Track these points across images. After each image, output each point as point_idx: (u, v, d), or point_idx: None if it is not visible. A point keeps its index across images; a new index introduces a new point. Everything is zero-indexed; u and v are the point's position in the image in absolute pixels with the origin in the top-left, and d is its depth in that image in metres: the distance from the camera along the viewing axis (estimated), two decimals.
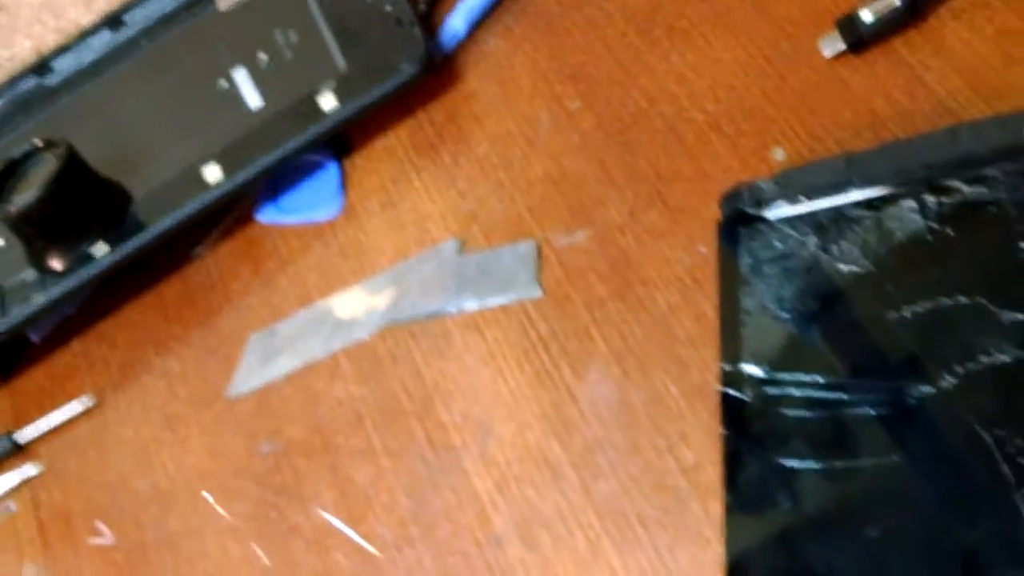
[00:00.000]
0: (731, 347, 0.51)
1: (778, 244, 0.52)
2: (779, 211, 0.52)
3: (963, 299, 0.47)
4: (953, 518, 0.43)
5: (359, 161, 0.68)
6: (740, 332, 0.51)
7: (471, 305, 0.59)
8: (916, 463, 0.45)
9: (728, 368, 0.50)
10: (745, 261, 0.52)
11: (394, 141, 0.68)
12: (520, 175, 0.62)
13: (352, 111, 0.66)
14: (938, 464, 0.45)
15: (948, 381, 0.45)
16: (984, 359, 0.45)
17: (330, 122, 0.66)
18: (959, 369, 0.45)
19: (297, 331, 0.63)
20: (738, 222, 0.53)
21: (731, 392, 0.49)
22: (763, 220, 0.53)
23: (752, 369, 0.50)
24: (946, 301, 0.47)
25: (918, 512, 0.44)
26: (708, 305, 0.54)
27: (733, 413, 0.49)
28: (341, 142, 0.69)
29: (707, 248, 0.55)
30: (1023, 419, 0.44)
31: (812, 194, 0.52)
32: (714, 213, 0.55)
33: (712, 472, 0.50)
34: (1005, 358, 0.45)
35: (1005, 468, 0.43)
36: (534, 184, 0.62)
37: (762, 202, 0.53)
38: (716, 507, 0.49)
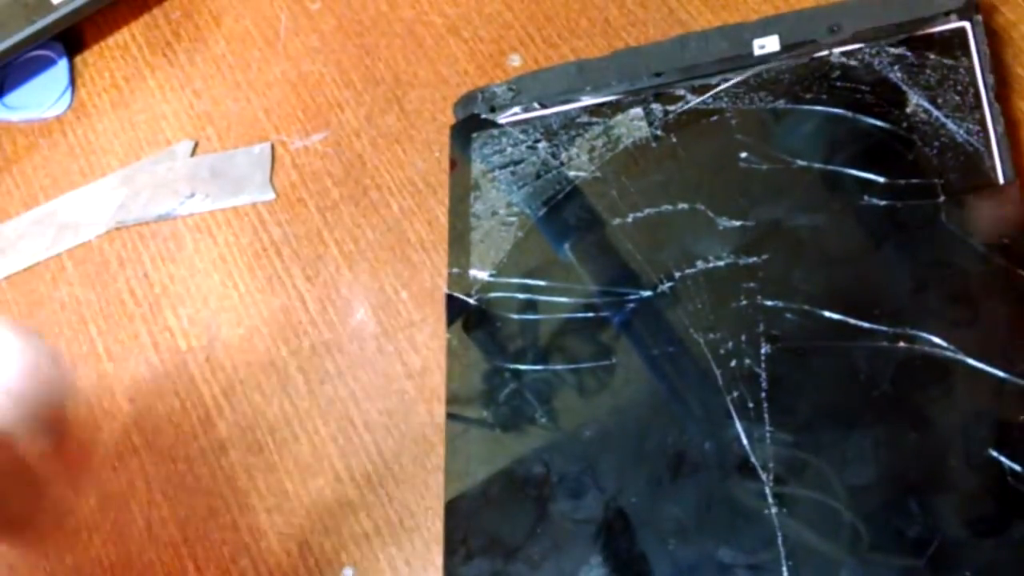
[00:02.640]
0: (460, 251, 0.51)
1: (509, 149, 0.52)
2: (511, 116, 0.52)
3: (684, 206, 0.48)
4: (665, 419, 0.44)
5: (91, 58, 0.65)
6: (469, 236, 0.51)
7: (203, 207, 0.57)
8: (632, 366, 0.46)
9: (456, 271, 0.50)
10: (477, 166, 0.52)
11: (128, 38, 0.65)
12: (257, 76, 0.61)
13: (83, 4, 0.63)
14: (653, 368, 0.46)
15: (666, 286, 0.46)
16: (700, 264, 0.46)
17: (59, 15, 0.63)
18: (676, 274, 0.46)
19: (19, 233, 0.60)
20: (472, 127, 0.53)
21: (457, 295, 0.49)
22: (496, 125, 0.52)
23: (479, 273, 0.50)
24: (668, 208, 0.48)
25: (632, 413, 0.45)
26: (441, 210, 0.54)
27: (456, 315, 0.49)
28: (72, 37, 0.65)
29: (441, 153, 0.55)
30: (735, 323, 0.45)
31: (545, 100, 0.52)
32: (450, 118, 0.55)
33: (438, 376, 0.50)
34: (720, 263, 0.46)
35: (716, 371, 0.44)
36: (271, 86, 0.60)
37: (496, 107, 0.53)
38: (440, 411, 0.49)
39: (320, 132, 0.58)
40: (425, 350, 0.51)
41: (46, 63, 0.65)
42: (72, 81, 0.64)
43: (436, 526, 0.46)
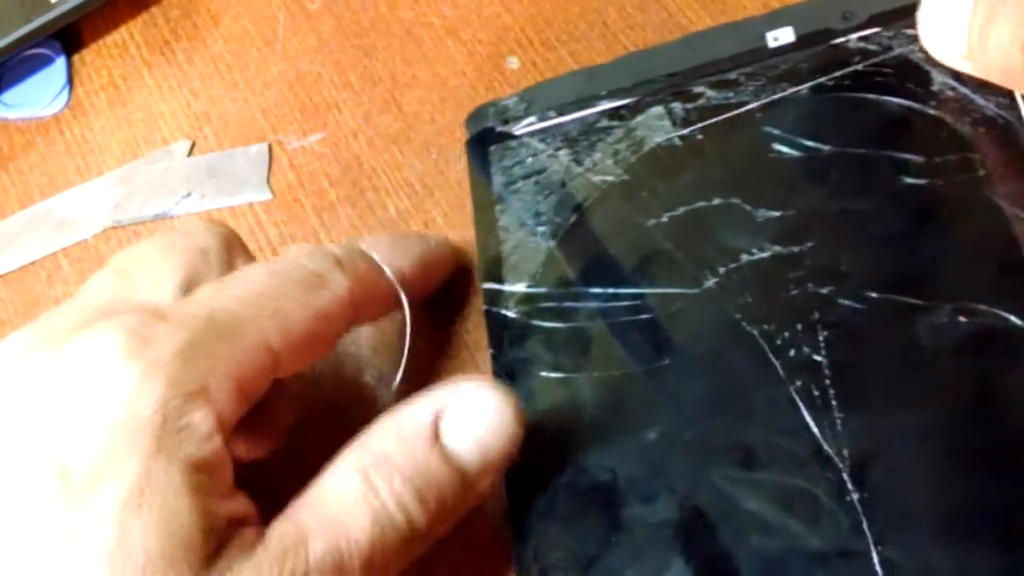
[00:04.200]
0: (492, 266, 0.50)
1: (530, 159, 0.51)
2: (527, 127, 0.52)
3: (719, 201, 0.47)
4: (728, 415, 0.43)
5: (88, 56, 0.65)
6: (500, 250, 0.50)
7: (199, 207, 0.57)
8: (687, 365, 0.45)
9: (491, 287, 0.49)
10: (498, 180, 0.51)
11: (126, 36, 0.65)
12: (255, 76, 0.61)
13: (81, 3, 0.63)
14: (709, 364, 0.45)
15: (711, 282, 0.46)
16: (744, 257, 0.46)
17: (57, 13, 0.63)
18: (721, 269, 0.46)
19: (15, 231, 0.60)
20: (488, 140, 0.53)
21: (496, 311, 0.49)
22: (512, 136, 0.52)
23: (514, 287, 0.49)
24: (703, 204, 0.48)
25: (693, 412, 0.44)
26: (437, 212, 0.54)
27: (499, 331, 0.48)
28: (70, 35, 0.65)
29: (439, 155, 0.55)
30: (787, 312, 0.44)
31: (561, 109, 0.52)
32: (447, 119, 0.55)
33: (433, 380, 0.50)
34: (763, 255, 0.45)
35: (775, 361, 0.43)
36: (269, 86, 0.60)
37: (509, 119, 0.53)
38: None
39: (318, 132, 0.58)
40: (421, 354, 0.50)
41: (44, 61, 0.65)
42: (70, 79, 0.64)
43: None
